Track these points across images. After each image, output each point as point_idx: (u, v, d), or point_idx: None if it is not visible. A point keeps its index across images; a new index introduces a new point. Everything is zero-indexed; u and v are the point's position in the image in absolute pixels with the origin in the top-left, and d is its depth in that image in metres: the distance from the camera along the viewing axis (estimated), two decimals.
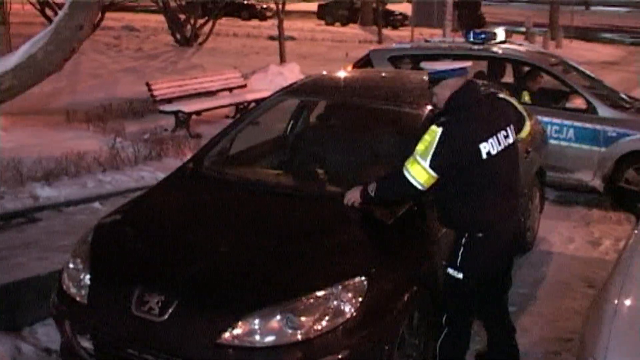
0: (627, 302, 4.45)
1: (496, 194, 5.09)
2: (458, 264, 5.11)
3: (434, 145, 4.86)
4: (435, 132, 4.90)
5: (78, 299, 4.94)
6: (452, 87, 5.09)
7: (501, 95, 5.89)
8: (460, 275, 5.11)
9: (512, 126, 5.25)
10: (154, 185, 6.48)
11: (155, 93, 13.32)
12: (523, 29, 34.53)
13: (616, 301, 4.43)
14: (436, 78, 5.16)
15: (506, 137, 5.11)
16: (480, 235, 5.07)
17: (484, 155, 4.91)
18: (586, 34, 40.09)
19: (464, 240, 5.09)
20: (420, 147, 4.95)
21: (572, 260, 8.06)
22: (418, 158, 4.93)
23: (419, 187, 4.97)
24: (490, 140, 4.97)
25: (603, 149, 9.80)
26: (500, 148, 5.01)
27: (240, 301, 4.56)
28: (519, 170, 5.43)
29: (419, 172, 4.94)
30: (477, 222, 5.07)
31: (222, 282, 4.73)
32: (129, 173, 9.89)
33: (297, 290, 4.57)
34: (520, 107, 5.74)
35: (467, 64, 5.23)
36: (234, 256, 4.96)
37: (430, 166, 4.89)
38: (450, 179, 4.99)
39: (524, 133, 5.70)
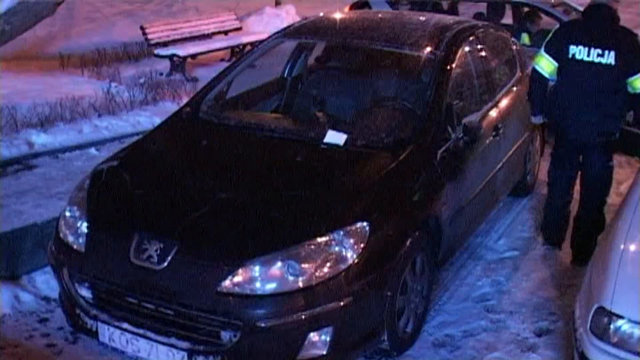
0: (633, 248, 4.44)
1: None
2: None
3: (548, 38, 6.45)
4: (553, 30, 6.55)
5: (75, 247, 4.87)
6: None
7: None
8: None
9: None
10: (150, 130, 6.39)
11: (150, 37, 13.16)
12: None
13: (622, 246, 4.42)
14: None
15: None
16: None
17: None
18: None
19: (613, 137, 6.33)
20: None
21: (574, 203, 7.97)
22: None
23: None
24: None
25: None
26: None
27: (241, 248, 4.50)
28: None
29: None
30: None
31: (221, 229, 4.66)
32: (125, 118, 9.75)
33: (298, 237, 4.52)
34: None
35: None
36: (233, 202, 4.89)
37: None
38: None
39: None
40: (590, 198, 6.60)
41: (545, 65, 6.37)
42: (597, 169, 6.47)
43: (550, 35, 6.44)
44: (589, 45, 6.12)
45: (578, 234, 6.72)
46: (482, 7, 11.56)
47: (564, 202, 6.85)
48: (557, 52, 6.29)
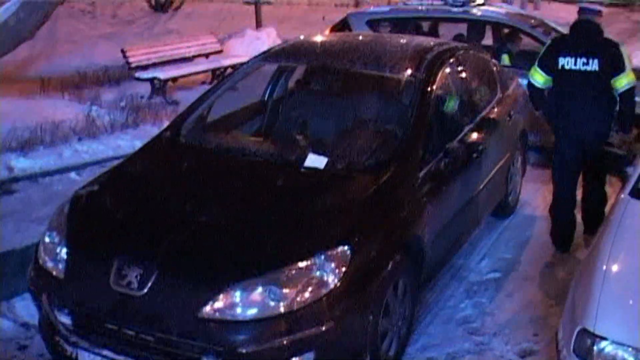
0: (615, 268, 4.44)
1: None
2: None
3: (541, 52, 7.30)
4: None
5: (55, 273, 4.83)
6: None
7: None
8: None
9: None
10: (131, 154, 6.36)
11: (131, 60, 13.10)
12: None
13: (604, 267, 4.42)
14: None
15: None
16: None
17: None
18: None
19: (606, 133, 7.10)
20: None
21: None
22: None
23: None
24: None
25: None
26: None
27: (221, 273, 4.48)
28: None
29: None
30: None
31: (202, 254, 4.63)
32: (105, 141, 9.72)
33: (279, 261, 4.50)
34: None
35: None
36: (214, 226, 4.86)
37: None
38: None
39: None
40: (592, 179, 7.40)
41: (539, 77, 7.14)
42: (594, 156, 7.03)
43: (543, 50, 7.28)
44: (575, 55, 6.88)
45: (587, 213, 7.56)
46: (463, 29, 11.57)
47: (569, 204, 7.36)
48: (549, 64, 7.06)
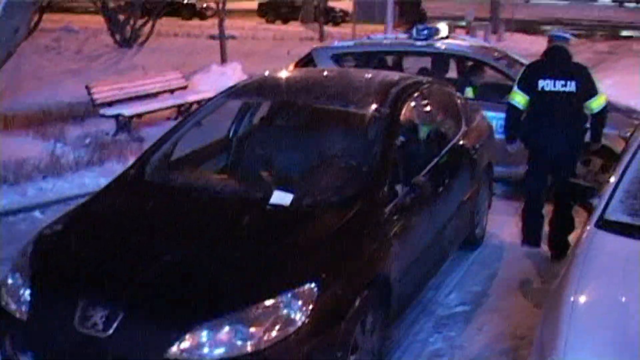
0: (583, 299, 4.43)
1: None
2: None
3: (519, 75, 8.00)
4: (522, 69, 8.06)
5: (18, 315, 4.75)
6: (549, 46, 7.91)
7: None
8: None
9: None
10: (95, 193, 6.29)
11: (96, 96, 13.06)
12: (464, 23, 34.66)
13: (572, 298, 4.42)
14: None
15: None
16: None
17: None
18: (528, 27, 40.40)
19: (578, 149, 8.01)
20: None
21: (523, 255, 8.05)
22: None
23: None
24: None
25: None
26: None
27: (187, 313, 4.43)
28: None
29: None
30: None
31: (167, 293, 4.58)
32: (70, 179, 9.67)
33: (246, 300, 4.46)
34: None
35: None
36: (179, 265, 4.81)
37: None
38: None
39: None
40: (561, 201, 7.86)
41: (520, 99, 7.80)
42: (565, 174, 7.63)
43: (520, 75, 8.00)
44: (554, 78, 7.64)
45: (553, 235, 8.05)
46: (427, 62, 11.66)
47: (539, 207, 8.10)
48: (528, 87, 7.75)
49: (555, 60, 7.77)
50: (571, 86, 7.60)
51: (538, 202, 8.08)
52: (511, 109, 7.89)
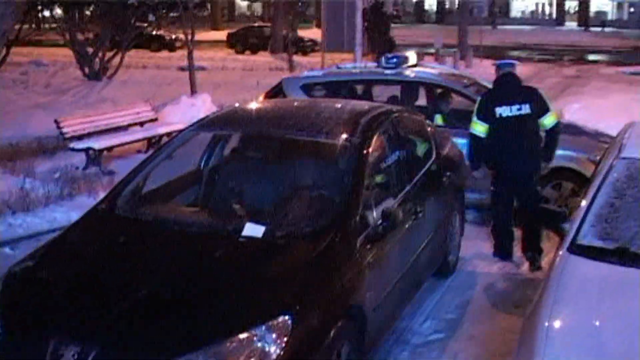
0: (558, 324, 4.46)
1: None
2: None
3: (477, 106, 8.39)
4: (478, 99, 8.55)
5: None
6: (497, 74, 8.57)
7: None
8: None
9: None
10: (66, 228, 6.24)
11: (65, 130, 13.00)
12: (432, 50, 34.88)
13: (547, 324, 4.43)
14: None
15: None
16: None
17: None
18: (495, 53, 40.68)
19: (538, 168, 8.52)
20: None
21: (497, 281, 8.07)
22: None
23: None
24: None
25: None
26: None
27: (161, 348, 4.39)
28: None
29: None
30: None
31: (141, 329, 4.54)
32: (40, 214, 9.59)
33: (220, 334, 4.43)
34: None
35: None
36: (153, 300, 4.77)
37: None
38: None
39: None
40: (528, 214, 8.39)
41: (480, 128, 8.28)
42: (528, 192, 8.38)
43: (477, 105, 8.45)
44: (509, 104, 8.15)
45: (526, 244, 8.59)
46: (397, 90, 11.69)
47: (508, 225, 8.67)
48: (487, 115, 8.23)
49: (508, 87, 8.39)
50: (526, 109, 8.16)
51: (506, 220, 8.62)
52: (473, 139, 8.39)
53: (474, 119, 8.34)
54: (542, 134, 8.50)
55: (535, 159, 8.41)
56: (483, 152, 8.44)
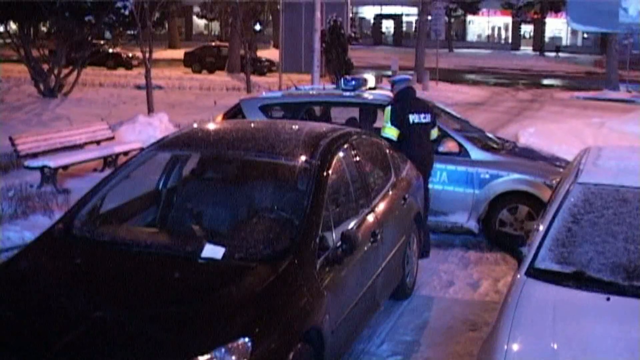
0: (516, 347, 4.50)
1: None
2: None
3: (389, 115, 9.43)
4: (388, 109, 9.53)
5: None
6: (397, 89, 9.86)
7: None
8: None
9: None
10: (20, 250, 6.15)
11: (20, 148, 12.84)
12: (389, 73, 35.12)
13: (505, 347, 4.46)
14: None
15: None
16: None
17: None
18: (452, 76, 41.11)
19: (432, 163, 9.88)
20: (384, 118, 9.51)
21: (454, 304, 8.09)
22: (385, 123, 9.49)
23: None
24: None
25: (477, 191, 9.99)
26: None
27: None
28: None
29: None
30: None
31: (97, 353, 4.47)
32: None
33: (178, 357, 4.39)
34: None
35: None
36: (109, 324, 4.71)
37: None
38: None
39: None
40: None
41: (393, 132, 9.36)
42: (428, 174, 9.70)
43: (389, 114, 9.46)
44: (417, 113, 9.50)
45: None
46: (355, 112, 11.74)
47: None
48: (401, 122, 9.39)
49: (413, 99, 9.75)
50: (427, 118, 9.59)
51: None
52: (386, 140, 8.99)
53: (387, 124, 9.47)
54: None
55: (432, 159, 9.72)
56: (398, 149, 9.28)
